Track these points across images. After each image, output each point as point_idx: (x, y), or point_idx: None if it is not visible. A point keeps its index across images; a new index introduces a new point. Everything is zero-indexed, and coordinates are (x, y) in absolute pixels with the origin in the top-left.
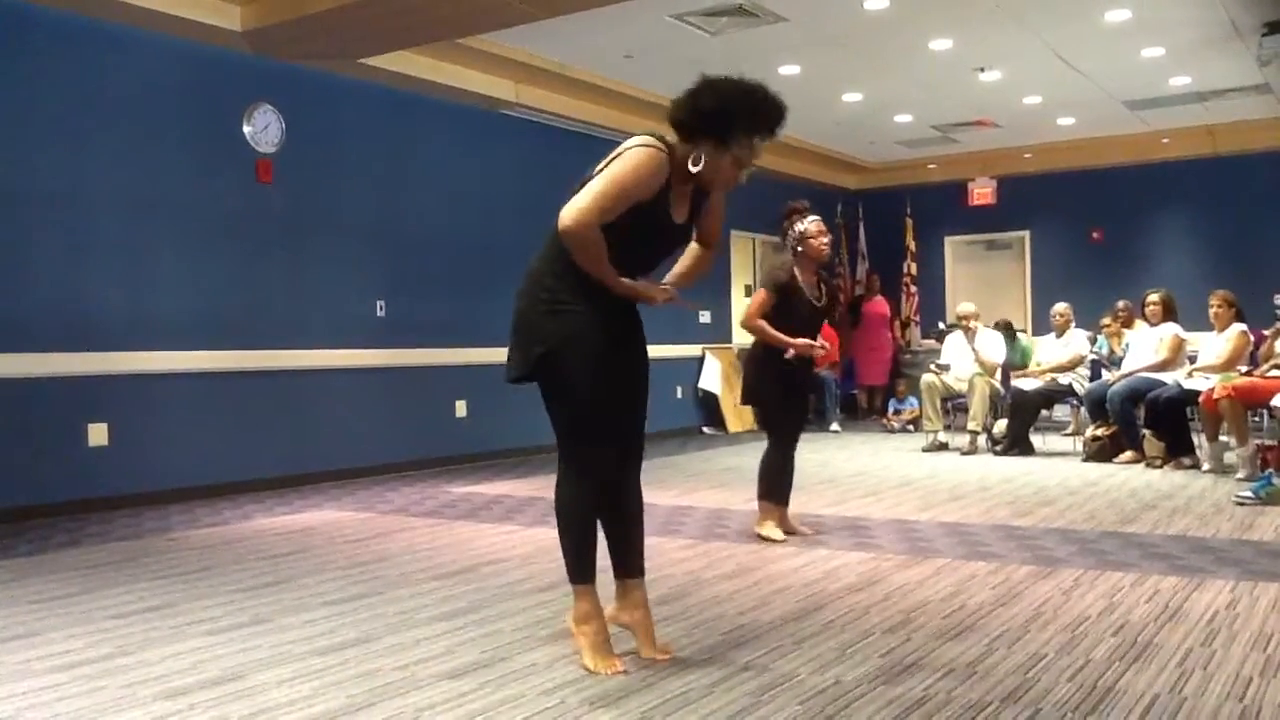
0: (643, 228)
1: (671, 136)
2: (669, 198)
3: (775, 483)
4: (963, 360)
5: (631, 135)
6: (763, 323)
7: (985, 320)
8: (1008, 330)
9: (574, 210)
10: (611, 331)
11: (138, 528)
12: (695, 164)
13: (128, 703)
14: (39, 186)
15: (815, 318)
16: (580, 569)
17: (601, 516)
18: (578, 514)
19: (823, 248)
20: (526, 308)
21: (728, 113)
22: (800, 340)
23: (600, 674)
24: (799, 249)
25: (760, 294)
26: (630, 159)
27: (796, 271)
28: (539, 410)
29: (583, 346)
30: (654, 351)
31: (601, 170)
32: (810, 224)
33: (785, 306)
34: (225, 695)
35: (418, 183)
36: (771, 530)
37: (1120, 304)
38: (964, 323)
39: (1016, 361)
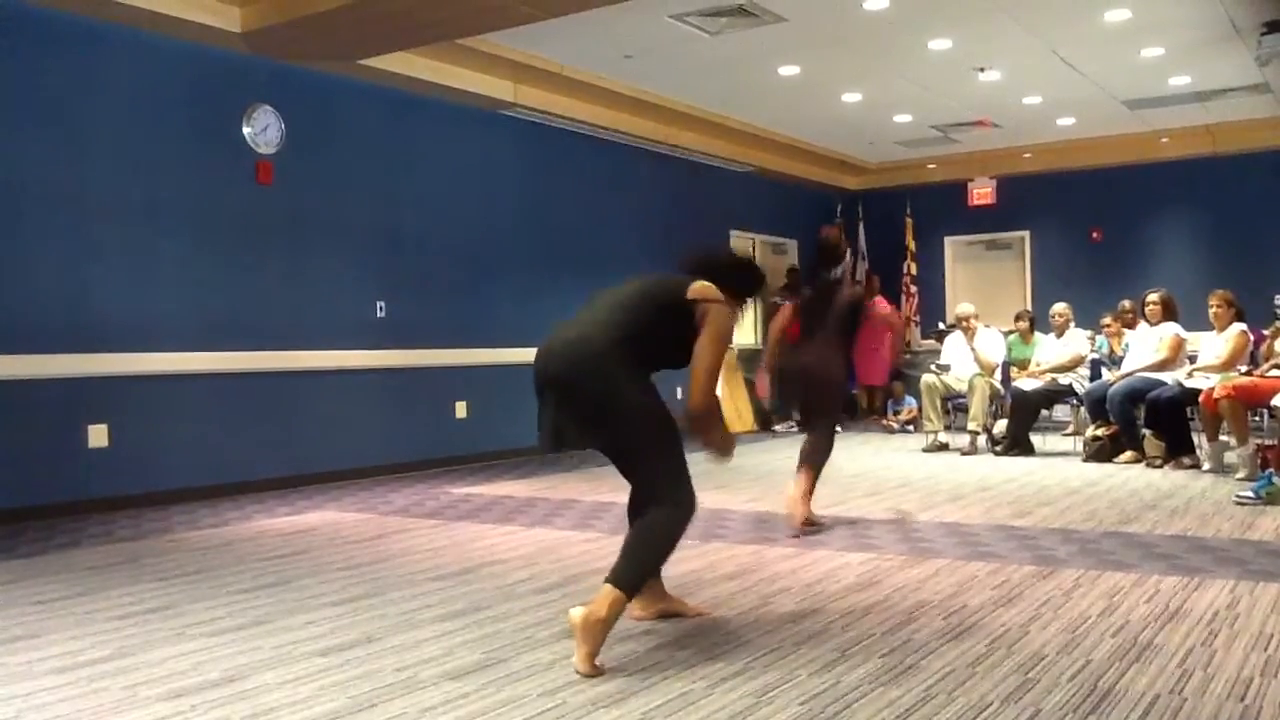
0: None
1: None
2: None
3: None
4: (963, 360)
5: (628, 135)
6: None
7: (989, 321)
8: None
9: (703, 396)
10: None
11: (138, 529)
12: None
13: (129, 704)
14: (39, 188)
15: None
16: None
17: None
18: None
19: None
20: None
21: (756, 280)
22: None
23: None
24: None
25: (787, 309)
26: (726, 323)
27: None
28: (537, 412)
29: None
30: None
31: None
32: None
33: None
34: (227, 696)
35: (417, 184)
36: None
37: (1124, 304)
38: (963, 324)
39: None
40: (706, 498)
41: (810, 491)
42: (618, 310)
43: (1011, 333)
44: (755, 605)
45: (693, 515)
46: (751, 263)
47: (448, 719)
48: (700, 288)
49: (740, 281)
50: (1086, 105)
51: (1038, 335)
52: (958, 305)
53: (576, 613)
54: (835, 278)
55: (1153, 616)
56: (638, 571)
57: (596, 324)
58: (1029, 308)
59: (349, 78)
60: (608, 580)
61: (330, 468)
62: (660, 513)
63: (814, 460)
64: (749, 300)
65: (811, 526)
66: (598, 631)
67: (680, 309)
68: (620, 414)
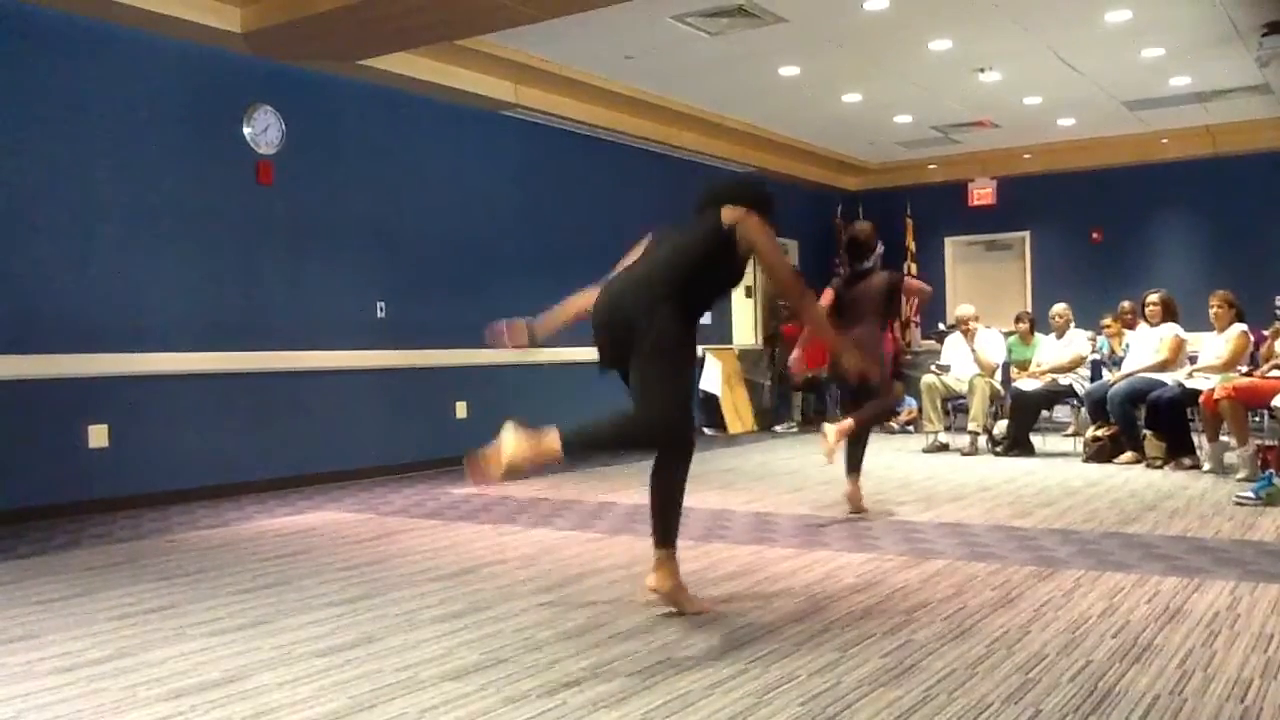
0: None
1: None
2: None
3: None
4: (963, 361)
5: (629, 135)
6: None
7: (989, 321)
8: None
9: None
10: None
11: (138, 529)
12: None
13: (129, 704)
14: (39, 188)
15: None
16: None
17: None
18: None
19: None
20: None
21: (765, 194)
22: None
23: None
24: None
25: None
26: (765, 228)
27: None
28: (539, 411)
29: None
30: None
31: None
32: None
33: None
34: (227, 696)
35: (418, 184)
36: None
37: (1124, 305)
38: (962, 325)
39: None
40: (707, 499)
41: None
42: (666, 263)
43: (1011, 334)
44: (755, 606)
45: (667, 434)
46: (755, 180)
47: (448, 719)
48: (730, 213)
49: (755, 201)
50: (1087, 106)
51: (1038, 336)
52: (958, 307)
53: (648, 580)
54: (868, 268)
55: (1153, 617)
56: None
57: (652, 272)
58: (1029, 308)
59: (350, 78)
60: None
61: (330, 468)
62: (659, 468)
63: (854, 455)
64: (769, 214)
65: (860, 512)
66: (678, 596)
67: (721, 238)
68: (651, 339)
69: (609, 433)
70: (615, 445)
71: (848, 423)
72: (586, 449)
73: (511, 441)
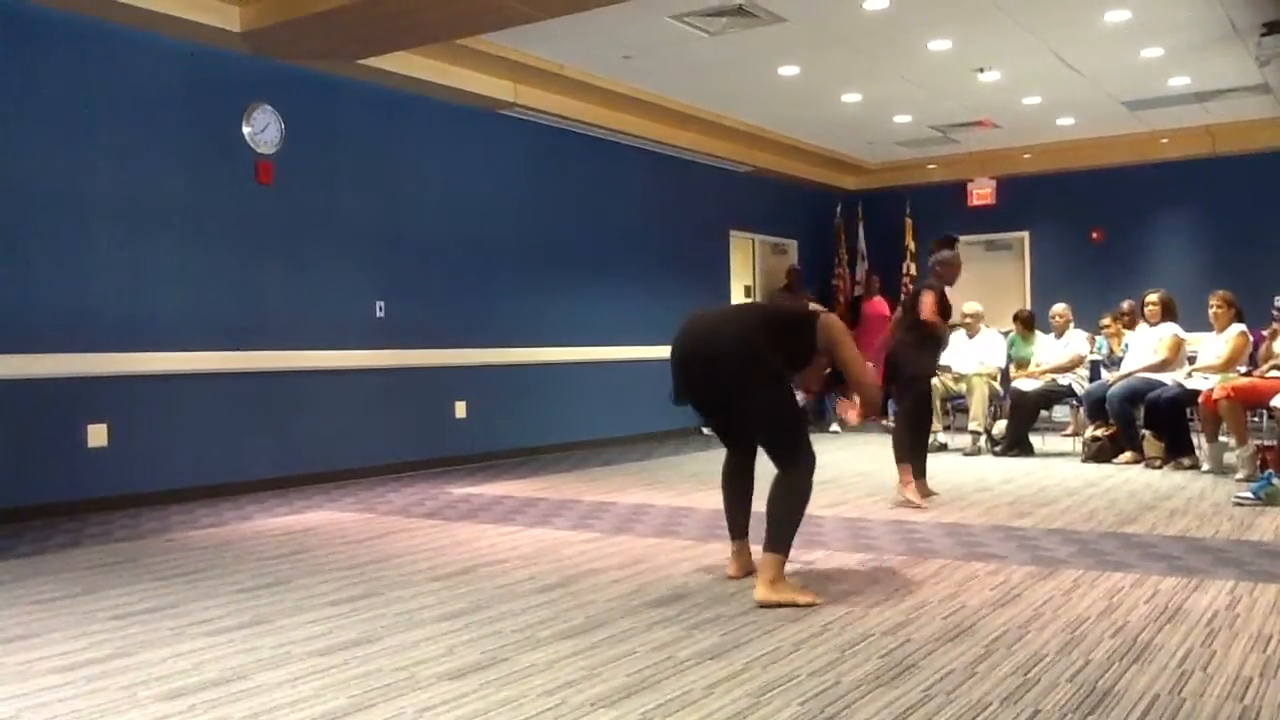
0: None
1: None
2: None
3: (908, 447)
4: (962, 359)
5: (628, 135)
6: (938, 318)
7: (989, 321)
8: (1027, 324)
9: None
10: None
11: (137, 528)
12: None
13: (128, 704)
14: (38, 187)
15: (948, 315)
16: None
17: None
18: None
19: (953, 274)
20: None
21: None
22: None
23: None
24: (936, 269)
25: (931, 295)
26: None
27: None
28: (537, 411)
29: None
30: (653, 352)
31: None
32: (949, 254)
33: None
34: (226, 696)
35: (417, 183)
36: (912, 492)
37: (1125, 305)
38: (966, 319)
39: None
40: (707, 498)
41: (913, 475)
42: (751, 316)
43: (1009, 332)
44: (755, 606)
45: (814, 470)
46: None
47: (447, 718)
48: (830, 321)
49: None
50: (1086, 106)
51: (1037, 334)
52: (965, 304)
53: (759, 593)
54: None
55: (1152, 617)
56: (787, 532)
57: (739, 318)
58: (1028, 307)
59: (349, 77)
60: (765, 550)
61: (330, 467)
62: (788, 478)
63: (900, 453)
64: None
65: (930, 495)
66: (781, 589)
67: (803, 323)
68: (753, 389)
69: (793, 507)
70: (802, 508)
71: (906, 477)
72: (792, 533)
73: (773, 599)
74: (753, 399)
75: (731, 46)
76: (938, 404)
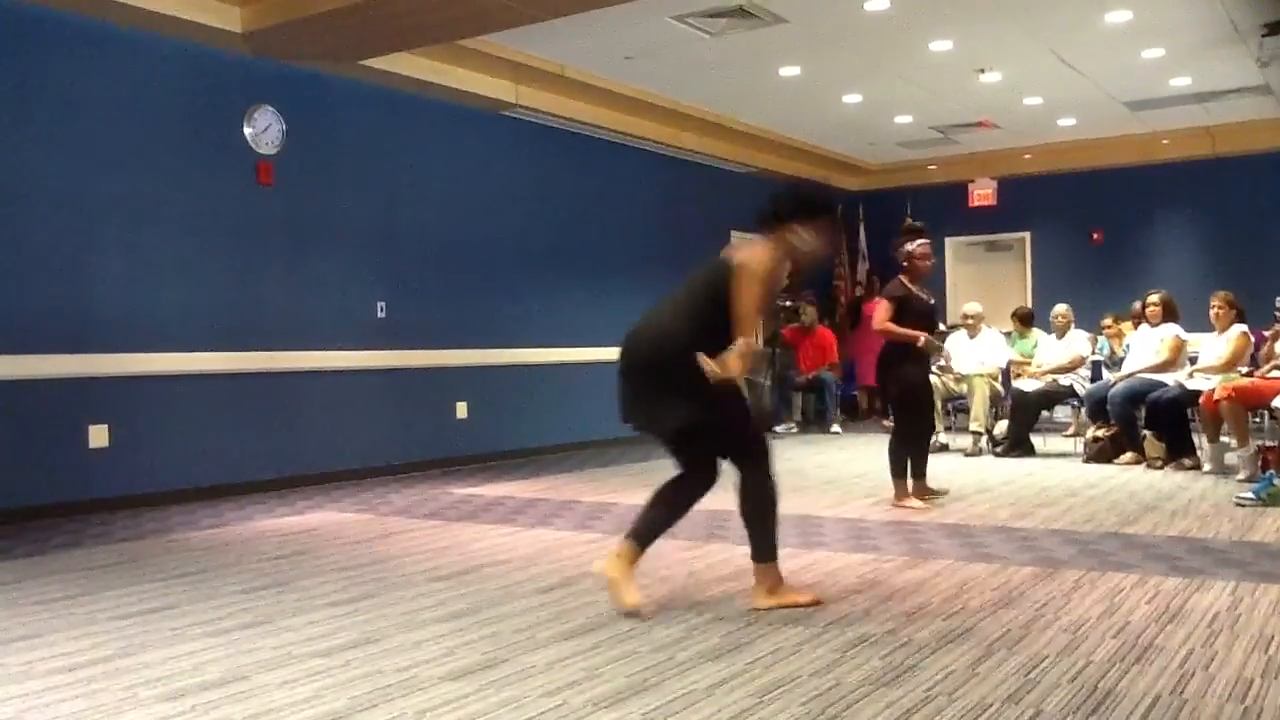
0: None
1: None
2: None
3: (904, 463)
4: (963, 360)
5: (629, 136)
6: (891, 325)
7: (990, 322)
8: (1025, 321)
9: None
10: None
11: (139, 529)
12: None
13: (129, 704)
14: (39, 188)
15: (929, 316)
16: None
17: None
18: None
19: (926, 268)
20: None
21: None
22: (923, 334)
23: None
24: (906, 264)
25: (884, 305)
26: (752, 273)
27: (906, 282)
28: (539, 412)
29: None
30: None
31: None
32: (917, 246)
33: (904, 311)
34: (227, 697)
35: (418, 184)
36: (910, 502)
37: (1137, 305)
38: (967, 320)
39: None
40: (708, 499)
41: (909, 487)
42: (683, 303)
43: (1010, 332)
44: (755, 608)
45: (767, 460)
46: (792, 192)
47: (448, 719)
48: (740, 262)
49: (791, 213)
50: (1087, 106)
51: (1036, 331)
52: (966, 304)
53: (758, 602)
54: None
55: (1153, 618)
56: (762, 538)
57: (670, 313)
58: (1028, 305)
59: (350, 78)
60: (753, 560)
61: (331, 468)
62: (741, 480)
63: (895, 468)
64: (825, 221)
65: (932, 496)
66: (781, 593)
67: (724, 285)
68: (681, 401)
69: (764, 508)
70: (774, 507)
71: (910, 488)
72: (773, 536)
73: (772, 605)
74: (661, 418)
75: (732, 47)
76: (940, 404)
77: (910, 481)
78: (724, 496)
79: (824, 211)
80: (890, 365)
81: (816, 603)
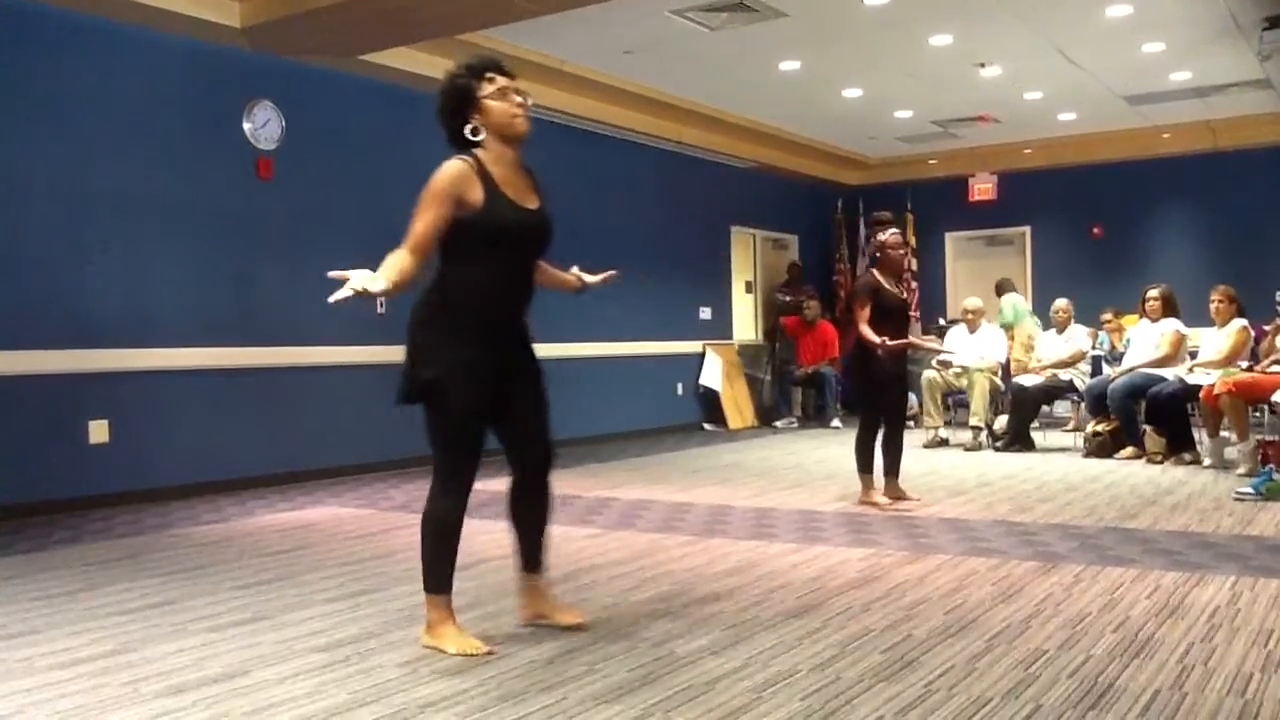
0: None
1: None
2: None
3: (869, 459)
4: (963, 354)
5: (629, 130)
6: (865, 327)
7: (989, 316)
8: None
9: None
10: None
11: (139, 524)
12: (475, 134)
13: (130, 700)
14: (39, 183)
15: (903, 311)
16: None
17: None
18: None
19: (899, 258)
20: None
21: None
22: (894, 343)
23: (473, 653)
24: (879, 255)
25: (859, 302)
26: (429, 190)
27: (879, 275)
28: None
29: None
30: (654, 348)
31: None
32: (889, 236)
33: (878, 307)
34: (227, 692)
35: (418, 179)
36: (874, 498)
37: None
38: (966, 315)
39: (1009, 319)
40: (708, 493)
41: (874, 484)
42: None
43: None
44: (755, 601)
45: (449, 494)
46: (448, 82)
47: (448, 715)
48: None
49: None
50: (1087, 101)
51: (1038, 330)
52: (967, 299)
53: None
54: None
55: (1153, 612)
56: (423, 567)
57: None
58: (1029, 303)
59: (349, 73)
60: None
61: (331, 463)
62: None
63: (861, 463)
64: (475, 124)
65: (901, 500)
66: (439, 634)
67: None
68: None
69: (424, 536)
70: (432, 533)
71: (875, 484)
72: (427, 565)
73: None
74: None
75: (732, 42)
76: (938, 399)
77: (882, 479)
78: (724, 491)
79: (460, 78)
80: (861, 359)
81: (478, 653)
